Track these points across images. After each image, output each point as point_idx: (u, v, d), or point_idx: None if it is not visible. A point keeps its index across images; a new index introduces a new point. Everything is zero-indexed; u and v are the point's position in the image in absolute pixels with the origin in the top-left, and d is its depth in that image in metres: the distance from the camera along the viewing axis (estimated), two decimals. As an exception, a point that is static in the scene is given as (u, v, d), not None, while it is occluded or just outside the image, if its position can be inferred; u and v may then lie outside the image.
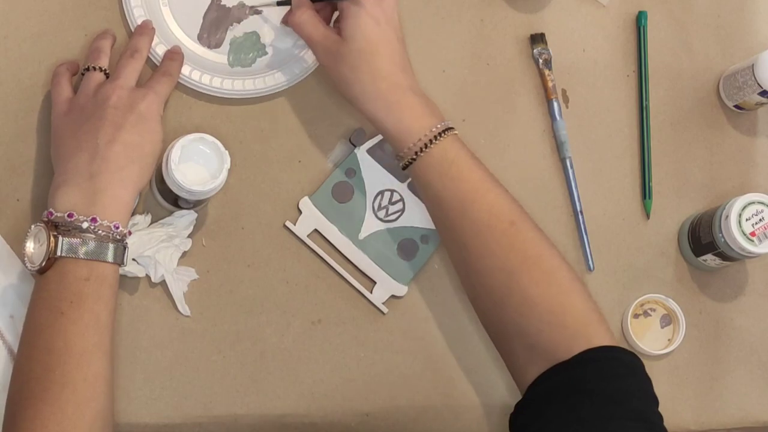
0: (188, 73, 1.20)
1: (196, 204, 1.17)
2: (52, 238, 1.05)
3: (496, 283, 1.10)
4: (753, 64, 1.27)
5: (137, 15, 1.19)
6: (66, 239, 1.05)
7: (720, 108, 1.34)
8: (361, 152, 1.24)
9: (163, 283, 1.17)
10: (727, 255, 1.24)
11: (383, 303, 1.22)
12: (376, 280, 1.23)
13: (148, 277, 1.16)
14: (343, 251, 1.23)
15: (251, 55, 1.24)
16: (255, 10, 1.25)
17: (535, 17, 1.31)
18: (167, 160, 1.10)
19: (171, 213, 1.18)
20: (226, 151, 1.11)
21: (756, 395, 1.29)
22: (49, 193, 1.10)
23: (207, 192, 1.11)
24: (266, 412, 1.19)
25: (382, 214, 1.24)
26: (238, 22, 1.24)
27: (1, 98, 1.18)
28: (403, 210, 1.24)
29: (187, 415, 1.17)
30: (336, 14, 1.21)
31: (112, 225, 1.07)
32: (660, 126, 1.33)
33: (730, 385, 1.29)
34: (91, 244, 1.06)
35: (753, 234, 1.22)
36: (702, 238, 1.26)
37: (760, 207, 1.22)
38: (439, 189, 1.13)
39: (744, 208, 1.22)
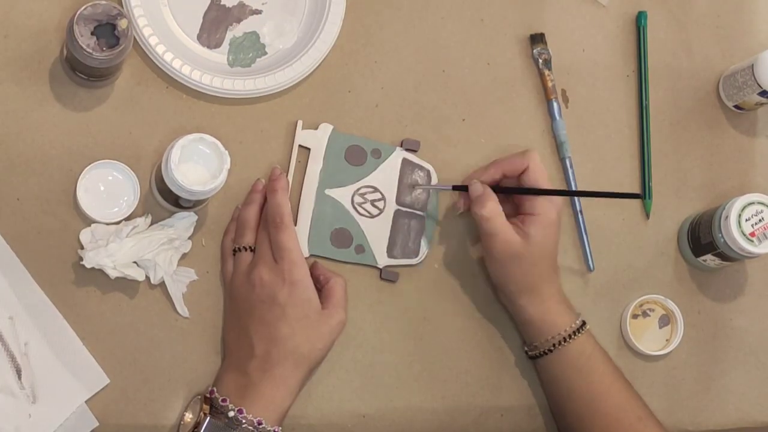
0: (188, 72, 1.20)
1: (196, 204, 1.17)
2: (201, 414, 1.12)
3: None
4: (753, 64, 1.27)
5: (137, 14, 1.19)
6: (213, 420, 1.11)
7: (720, 108, 1.34)
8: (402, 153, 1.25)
9: (162, 285, 1.17)
10: (726, 255, 1.24)
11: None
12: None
13: (147, 278, 1.16)
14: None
15: (251, 55, 1.24)
16: (254, 10, 1.25)
17: (535, 17, 1.31)
18: (167, 160, 1.10)
19: (171, 213, 1.18)
20: (226, 152, 1.11)
21: (754, 396, 1.29)
22: (219, 368, 1.17)
23: (207, 192, 1.12)
24: (265, 411, 1.19)
25: (366, 208, 1.24)
26: (238, 22, 1.24)
27: (1, 98, 1.18)
28: (383, 210, 1.24)
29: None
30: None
31: (255, 420, 1.10)
32: (660, 126, 1.32)
33: (728, 386, 1.29)
34: None
35: (753, 234, 1.22)
36: (702, 239, 1.26)
37: (759, 207, 1.22)
38: (571, 381, 1.18)
39: (744, 208, 1.22)
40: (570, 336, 1.18)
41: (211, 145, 1.11)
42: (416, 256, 1.24)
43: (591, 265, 1.28)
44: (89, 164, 1.17)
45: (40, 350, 1.13)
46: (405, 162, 1.25)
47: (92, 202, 1.17)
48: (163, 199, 1.17)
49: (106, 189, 1.17)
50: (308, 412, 1.19)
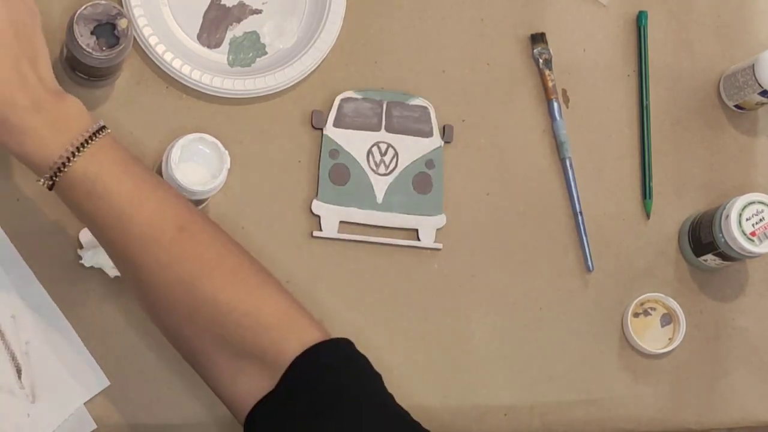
0: (188, 72, 1.20)
1: (196, 204, 1.17)
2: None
3: (179, 296, 0.99)
4: (753, 64, 1.27)
5: (137, 14, 1.19)
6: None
7: (720, 108, 1.34)
8: (329, 129, 1.24)
9: (163, 284, 1.17)
10: (727, 255, 1.24)
11: (435, 242, 1.24)
12: (417, 227, 1.24)
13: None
14: (373, 223, 1.24)
15: (251, 54, 1.24)
16: (255, 10, 1.25)
17: (535, 17, 1.31)
18: (167, 160, 1.10)
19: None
20: (226, 151, 1.11)
21: (756, 395, 1.29)
22: None
23: (207, 192, 1.11)
24: (266, 412, 1.19)
25: (382, 169, 1.24)
26: (238, 22, 1.24)
27: (1, 98, 1.18)
28: (396, 153, 1.25)
29: (188, 415, 1.17)
30: None
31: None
32: (660, 126, 1.32)
33: (730, 385, 1.29)
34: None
35: (753, 234, 1.22)
36: (702, 238, 1.26)
37: (760, 207, 1.22)
38: (90, 209, 1.00)
39: (744, 207, 1.22)
40: (61, 167, 0.98)
41: (211, 145, 1.11)
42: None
43: (590, 266, 1.28)
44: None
45: (41, 350, 1.13)
46: (336, 123, 1.25)
47: None
48: None
49: None
50: (310, 412, 1.19)
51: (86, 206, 1.00)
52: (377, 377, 1.00)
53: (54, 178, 0.99)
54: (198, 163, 1.11)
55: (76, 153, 0.98)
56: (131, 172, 1.01)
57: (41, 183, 1.01)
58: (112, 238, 1.01)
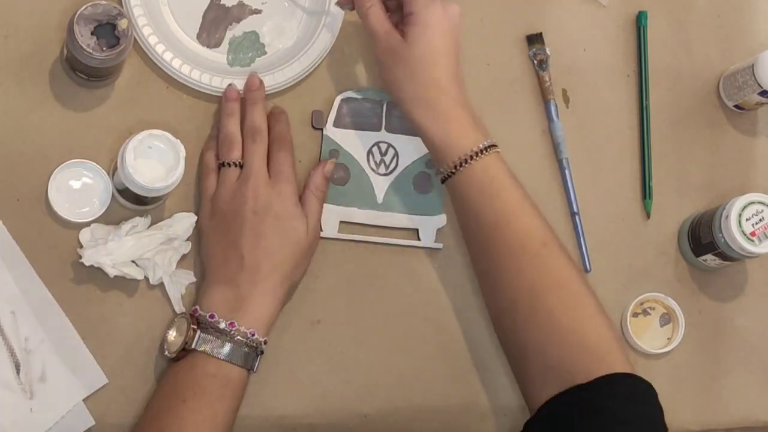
0: (188, 72, 1.20)
1: (154, 201, 1.16)
2: (191, 331, 1.11)
3: (523, 302, 1.12)
4: (753, 64, 1.27)
5: (137, 14, 1.19)
6: (203, 335, 1.11)
7: (720, 108, 1.34)
8: (329, 129, 1.24)
9: (161, 285, 1.17)
10: (727, 255, 1.24)
11: (435, 242, 1.25)
12: (417, 227, 1.25)
13: (146, 278, 1.16)
14: (373, 223, 1.24)
15: (250, 54, 1.24)
16: (254, 10, 1.25)
17: (535, 17, 1.31)
18: (123, 163, 1.09)
19: (139, 212, 1.18)
20: (178, 141, 1.11)
21: (756, 395, 1.29)
22: (200, 288, 1.16)
23: (170, 186, 1.11)
24: (265, 412, 1.19)
25: (382, 169, 1.24)
26: (237, 22, 1.25)
27: (2, 98, 1.18)
28: (396, 153, 1.25)
29: (186, 414, 1.17)
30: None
31: (248, 332, 1.11)
32: (660, 126, 1.32)
33: (729, 385, 1.29)
34: (225, 346, 1.11)
35: (753, 234, 1.22)
36: (702, 238, 1.26)
37: (760, 207, 1.22)
38: (476, 204, 1.14)
39: (744, 208, 1.22)
40: (472, 156, 1.13)
41: (162, 139, 1.11)
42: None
43: (588, 266, 1.28)
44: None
45: (41, 346, 1.13)
46: (337, 123, 1.25)
47: (65, 202, 1.16)
48: (125, 199, 1.16)
49: (79, 189, 1.17)
50: (309, 412, 1.19)
51: (475, 201, 1.14)
52: (660, 412, 1.09)
53: (459, 168, 1.13)
54: (153, 160, 1.11)
55: (484, 151, 1.13)
56: (517, 185, 1.15)
57: (437, 175, 1.16)
58: (486, 236, 1.14)
